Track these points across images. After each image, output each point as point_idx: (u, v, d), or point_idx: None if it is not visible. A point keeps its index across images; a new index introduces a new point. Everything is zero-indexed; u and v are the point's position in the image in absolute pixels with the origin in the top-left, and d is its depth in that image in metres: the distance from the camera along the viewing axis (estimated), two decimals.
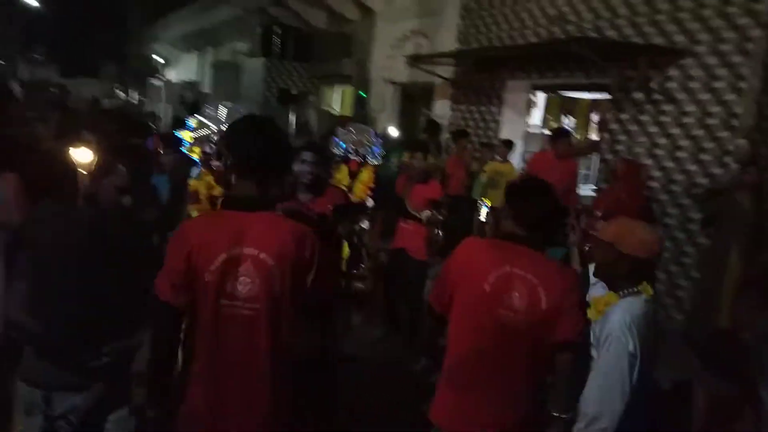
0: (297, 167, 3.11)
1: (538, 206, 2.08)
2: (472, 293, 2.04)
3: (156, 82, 17.60)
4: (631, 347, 1.89)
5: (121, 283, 2.08)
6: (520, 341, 1.99)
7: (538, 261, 2.05)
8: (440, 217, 4.40)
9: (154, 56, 29.44)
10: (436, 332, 2.35)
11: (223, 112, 4.12)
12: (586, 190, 7.74)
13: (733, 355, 3.70)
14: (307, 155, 3.10)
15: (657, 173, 6.04)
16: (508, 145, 7.00)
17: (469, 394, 2.06)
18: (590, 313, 2.06)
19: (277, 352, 1.79)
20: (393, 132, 8.34)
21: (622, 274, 2.01)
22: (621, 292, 2.02)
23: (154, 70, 28.41)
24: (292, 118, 10.78)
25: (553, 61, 7.29)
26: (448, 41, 9.08)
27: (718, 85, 5.60)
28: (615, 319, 1.95)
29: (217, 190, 3.43)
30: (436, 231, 4.40)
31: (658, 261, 2.02)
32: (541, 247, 2.12)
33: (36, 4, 23.56)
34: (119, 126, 4.68)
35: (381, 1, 10.88)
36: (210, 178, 3.48)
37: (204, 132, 3.76)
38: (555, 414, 2.02)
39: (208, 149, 3.61)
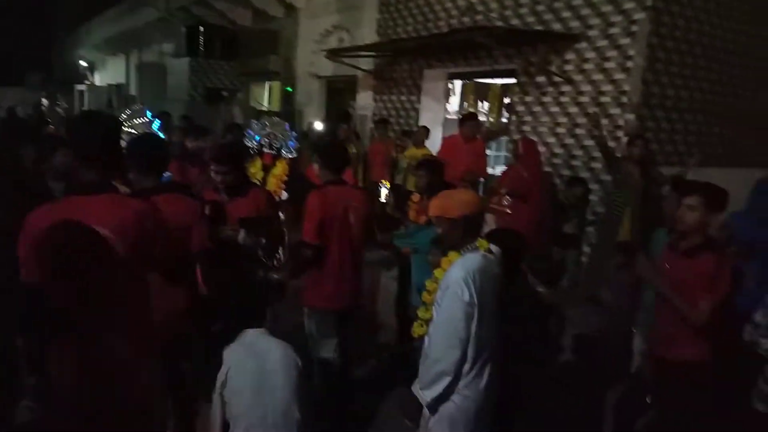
0: (212, 174, 3.26)
1: (340, 156, 3.34)
2: (330, 222, 3.19)
3: (80, 87, 17.00)
4: (466, 297, 2.07)
5: None
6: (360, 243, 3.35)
7: (352, 193, 3.37)
8: None
9: (81, 62, 28.35)
10: (312, 257, 3.22)
11: (125, 112, 4.15)
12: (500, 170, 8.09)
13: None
14: (213, 166, 3.24)
15: (559, 150, 6.43)
16: (425, 131, 7.25)
17: (338, 281, 3.25)
18: (438, 273, 2.26)
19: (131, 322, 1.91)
20: (318, 126, 8.44)
21: (459, 236, 2.21)
22: (462, 250, 2.22)
23: (81, 75, 27.39)
24: (220, 116, 10.72)
25: (465, 50, 7.59)
26: (368, 34, 9.28)
27: (608, 65, 6.01)
28: (452, 273, 2.15)
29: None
30: None
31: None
32: (344, 181, 3.34)
33: None
34: None
35: None
36: None
37: None
38: None
39: None
